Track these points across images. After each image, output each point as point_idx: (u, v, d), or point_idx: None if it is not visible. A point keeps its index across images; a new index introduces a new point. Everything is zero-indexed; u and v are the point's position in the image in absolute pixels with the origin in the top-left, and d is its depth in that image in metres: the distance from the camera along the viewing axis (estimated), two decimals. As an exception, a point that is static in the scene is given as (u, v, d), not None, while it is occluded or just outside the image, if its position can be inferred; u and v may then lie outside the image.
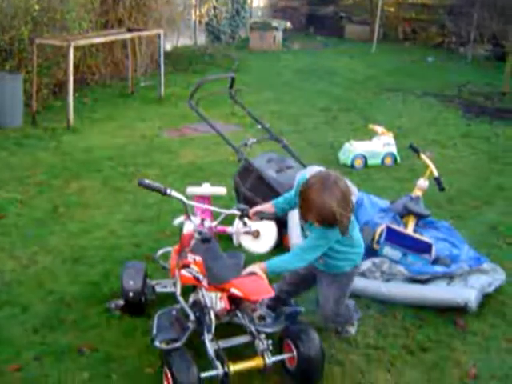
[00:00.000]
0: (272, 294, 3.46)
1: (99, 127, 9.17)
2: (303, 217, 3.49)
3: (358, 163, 7.76)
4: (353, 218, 3.64)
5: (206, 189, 5.40)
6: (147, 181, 3.75)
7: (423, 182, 5.45)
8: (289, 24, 18.44)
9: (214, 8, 16.28)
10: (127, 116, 9.84)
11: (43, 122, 9.13)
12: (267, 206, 4.01)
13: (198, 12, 16.48)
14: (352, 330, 4.18)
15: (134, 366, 3.79)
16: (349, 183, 5.43)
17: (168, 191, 3.72)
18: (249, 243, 5.29)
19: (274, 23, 17.54)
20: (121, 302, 4.34)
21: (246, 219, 4.09)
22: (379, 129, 7.88)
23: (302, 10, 21.55)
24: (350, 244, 3.70)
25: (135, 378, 3.70)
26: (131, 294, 4.20)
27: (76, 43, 9.06)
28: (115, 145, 8.34)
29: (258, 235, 5.31)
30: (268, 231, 5.32)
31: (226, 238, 5.40)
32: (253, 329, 3.70)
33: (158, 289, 4.37)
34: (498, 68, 14.22)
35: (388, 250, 4.93)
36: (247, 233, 5.30)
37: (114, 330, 4.14)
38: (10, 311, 4.34)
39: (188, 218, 3.96)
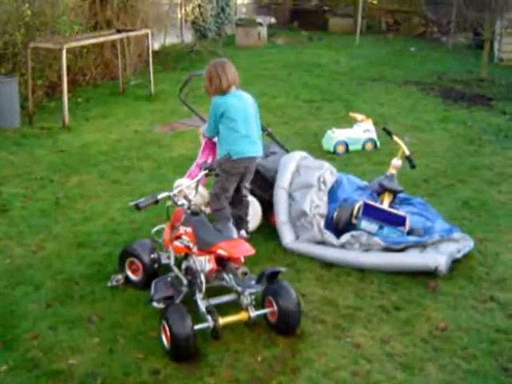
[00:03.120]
0: (252, 252, 4.08)
1: (93, 125, 9.59)
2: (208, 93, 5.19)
3: (340, 149, 8.21)
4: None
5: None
6: (141, 201, 4.21)
7: (397, 161, 5.90)
8: (273, 19, 18.87)
9: (199, 6, 16.65)
10: (119, 113, 10.26)
11: (39, 122, 9.54)
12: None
13: (183, 10, 16.86)
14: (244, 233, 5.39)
15: (138, 331, 4.25)
16: (326, 164, 5.93)
17: (158, 198, 4.26)
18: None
19: (259, 19, 17.97)
20: (120, 277, 4.82)
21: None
22: (359, 116, 8.33)
23: (286, 5, 21.98)
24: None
25: (140, 340, 4.16)
26: (156, 265, 4.72)
27: (68, 45, 9.47)
28: (110, 141, 8.76)
29: None
30: (253, 212, 5.76)
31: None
32: (238, 288, 4.23)
33: None
34: (477, 56, 14.62)
35: (365, 224, 5.39)
36: None
37: (118, 302, 4.60)
38: (23, 290, 4.78)
39: (174, 201, 4.49)
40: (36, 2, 10.60)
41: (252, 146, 5.20)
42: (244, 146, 5.14)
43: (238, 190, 5.38)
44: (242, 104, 5.14)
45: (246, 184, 5.42)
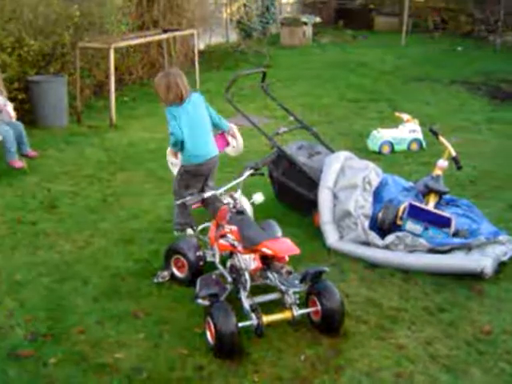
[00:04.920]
0: (297, 251, 4.12)
1: (140, 123, 9.74)
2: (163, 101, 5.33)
3: (386, 149, 8.17)
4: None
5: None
6: (187, 199, 4.46)
7: (442, 162, 5.86)
8: (318, 18, 18.80)
9: (245, 5, 16.73)
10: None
11: (87, 121, 9.75)
12: None
13: (228, 10, 16.96)
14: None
15: (183, 327, 4.31)
16: (371, 165, 5.91)
17: (204, 196, 4.49)
18: None
19: (304, 18, 17.96)
20: (165, 274, 4.91)
21: None
22: (405, 116, 8.29)
23: (331, 4, 21.87)
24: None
25: (185, 336, 4.22)
26: (201, 263, 4.79)
27: (116, 45, 9.62)
28: (156, 139, 8.87)
29: None
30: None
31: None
32: (282, 287, 4.25)
33: None
34: (526, 55, 14.38)
35: (410, 225, 5.36)
36: None
37: (164, 298, 4.68)
38: (72, 285, 4.90)
39: (220, 201, 4.64)
40: (84, 2, 10.79)
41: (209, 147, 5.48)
42: (204, 149, 5.41)
43: (201, 190, 5.52)
44: (195, 110, 5.43)
45: (210, 183, 5.61)
